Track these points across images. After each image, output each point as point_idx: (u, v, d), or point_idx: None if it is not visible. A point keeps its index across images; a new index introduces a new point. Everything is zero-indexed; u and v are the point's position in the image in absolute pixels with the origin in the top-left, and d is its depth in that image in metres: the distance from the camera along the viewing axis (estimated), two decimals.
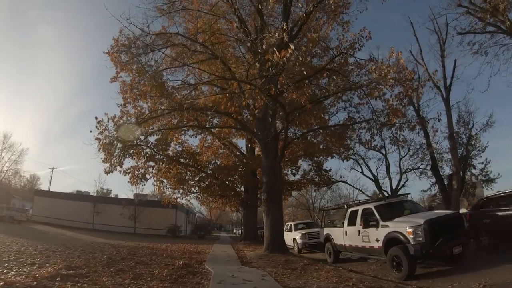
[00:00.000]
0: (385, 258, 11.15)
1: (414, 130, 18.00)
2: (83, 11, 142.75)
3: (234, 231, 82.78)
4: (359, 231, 13.05)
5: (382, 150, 36.36)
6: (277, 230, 17.38)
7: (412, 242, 10.02)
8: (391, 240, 10.93)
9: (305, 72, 14.14)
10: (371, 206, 13.01)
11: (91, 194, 53.98)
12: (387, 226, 11.29)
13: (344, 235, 14.54)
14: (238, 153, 31.49)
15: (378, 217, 11.97)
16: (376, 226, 11.82)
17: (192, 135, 30.27)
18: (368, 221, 12.21)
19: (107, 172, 18.68)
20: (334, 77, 15.52)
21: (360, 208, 13.70)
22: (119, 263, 11.49)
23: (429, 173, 35.21)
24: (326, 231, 16.70)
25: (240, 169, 30.36)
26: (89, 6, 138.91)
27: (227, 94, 15.28)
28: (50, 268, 8.93)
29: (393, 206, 13.21)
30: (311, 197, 66.25)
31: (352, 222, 14.04)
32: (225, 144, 30.22)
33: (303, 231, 22.28)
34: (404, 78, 13.71)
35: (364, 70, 15.93)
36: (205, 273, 10.51)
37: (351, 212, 14.43)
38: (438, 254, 10.41)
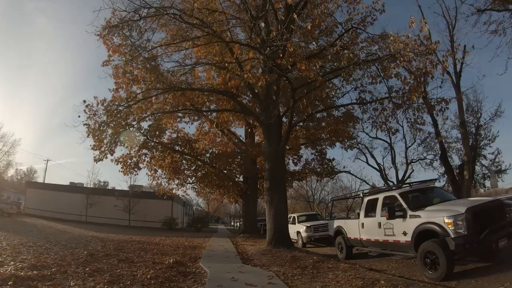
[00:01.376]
0: (415, 254, 9.31)
1: (434, 111, 16.11)
2: (82, 3, 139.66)
3: (232, 223, 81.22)
4: (380, 223, 11.25)
5: (387, 138, 35.33)
6: (281, 222, 15.66)
7: (452, 235, 8.14)
8: (424, 233, 9.05)
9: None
10: (395, 193, 11.20)
11: (85, 186, 52.02)
12: (417, 216, 9.43)
13: (360, 227, 12.76)
14: (236, 140, 29.53)
15: (405, 206, 10.15)
16: (403, 216, 9.98)
17: (188, 122, 28.51)
18: (394, 211, 10.37)
19: (96, 160, 17.77)
20: (346, 51, 13.70)
21: (381, 196, 11.92)
22: (99, 261, 9.91)
23: (436, 163, 34.65)
24: (336, 223, 14.96)
25: (239, 158, 28.49)
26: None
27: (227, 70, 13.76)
28: (9, 268, 7.30)
29: (421, 193, 11.47)
30: (311, 188, 64.57)
31: (370, 213, 12.35)
32: (223, 131, 28.36)
33: (308, 224, 20.47)
34: (425, 52, 12.27)
35: (376, 47, 14.06)
36: (199, 274, 8.73)
37: (369, 201, 12.68)
38: (483, 249, 8.55)
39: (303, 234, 19.85)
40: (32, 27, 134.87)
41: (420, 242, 9.00)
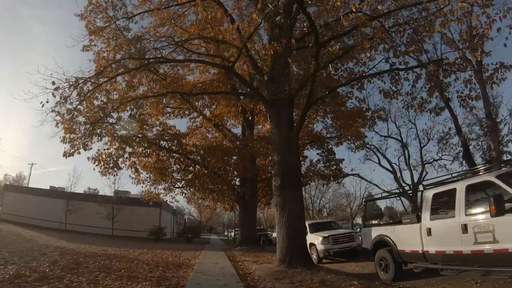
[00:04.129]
0: None
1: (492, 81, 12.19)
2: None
3: (226, 233, 76.57)
4: (465, 226, 7.54)
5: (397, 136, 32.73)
6: (297, 232, 11.51)
7: None
8: None
9: None
10: (490, 177, 7.41)
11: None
12: None
13: (423, 235, 9.02)
14: (233, 138, 25.27)
15: None
16: None
17: (177, 115, 24.60)
18: (503, 202, 6.41)
19: (67, 155, 15.47)
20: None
21: (461, 186, 8.14)
22: None
23: (448, 165, 32.11)
24: (376, 231, 11.11)
25: (235, 157, 24.26)
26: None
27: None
28: None
29: None
30: (310, 195, 60.61)
31: (440, 213, 8.72)
32: (217, 125, 24.30)
33: (325, 234, 16.40)
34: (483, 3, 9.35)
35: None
36: None
37: (437, 196, 8.99)
38: None
39: (319, 247, 15.84)
40: (27, 33, 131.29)
41: None
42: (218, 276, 9.86)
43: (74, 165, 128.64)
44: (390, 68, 12.81)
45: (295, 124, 12.83)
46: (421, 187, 9.87)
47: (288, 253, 11.06)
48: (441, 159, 32.81)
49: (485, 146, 28.05)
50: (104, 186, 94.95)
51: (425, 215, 9.05)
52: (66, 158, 15.96)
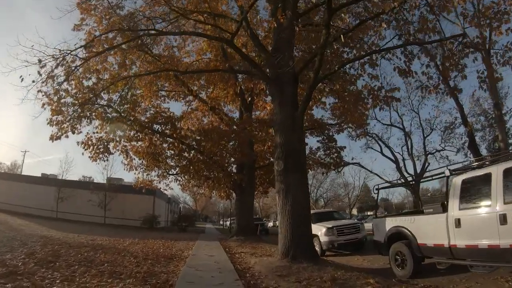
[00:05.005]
0: None
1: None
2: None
3: (221, 222, 75.49)
4: (503, 216, 6.47)
5: (404, 124, 32.14)
6: (302, 221, 10.28)
7: None
8: None
9: None
10: None
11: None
12: None
13: (450, 227, 7.88)
14: (230, 122, 23.92)
15: None
16: None
17: (172, 98, 23.37)
18: None
19: (53, 138, 14.86)
20: None
21: (497, 170, 7.01)
22: None
23: (451, 156, 31.03)
24: (392, 222, 9.98)
25: (232, 143, 22.99)
26: None
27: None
28: None
29: None
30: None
31: (472, 202, 7.57)
32: (213, 108, 23.00)
33: (329, 224, 15.24)
34: None
35: None
36: None
37: (467, 182, 7.81)
38: None
39: (323, 239, 14.68)
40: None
41: None
42: (213, 271, 8.63)
43: (66, 152, 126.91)
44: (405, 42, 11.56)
45: (299, 104, 11.61)
46: (447, 172, 8.63)
47: (292, 245, 9.85)
48: (444, 149, 32.00)
49: (490, 137, 27.29)
50: (98, 174, 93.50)
51: (453, 204, 7.88)
52: (52, 141, 15.23)
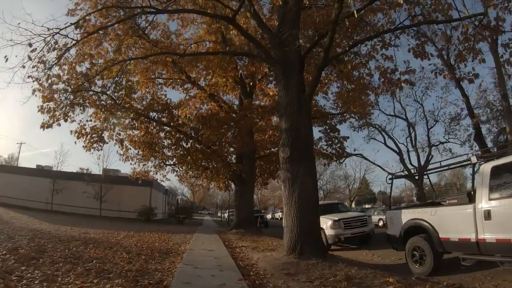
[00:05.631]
0: None
1: None
2: None
3: (219, 214, 74.59)
4: None
5: (404, 115, 31.45)
6: (310, 214, 9.43)
7: None
8: None
9: None
10: None
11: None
12: None
13: (478, 219, 7.07)
14: (229, 110, 22.91)
15: None
16: None
17: (169, 85, 22.43)
18: None
19: (44, 126, 14.51)
20: None
21: None
22: None
23: (455, 149, 32.19)
24: (409, 214, 9.16)
25: (232, 131, 22.05)
26: None
27: None
28: None
29: None
30: None
31: (507, 190, 6.70)
32: (212, 95, 22.05)
33: (335, 217, 14.38)
34: None
35: None
36: None
37: (498, 169, 7.00)
38: None
39: (329, 232, 13.83)
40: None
41: None
42: (213, 269, 7.75)
43: (61, 143, 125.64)
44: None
45: (306, 88, 10.73)
46: (473, 159, 7.77)
47: (299, 240, 8.97)
48: (448, 141, 31.32)
49: (496, 130, 26.62)
50: (95, 165, 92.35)
51: (482, 193, 7.02)
52: (43, 129, 14.84)
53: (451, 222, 7.76)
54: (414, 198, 76.70)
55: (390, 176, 11.47)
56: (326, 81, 16.79)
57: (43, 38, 11.53)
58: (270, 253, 10.02)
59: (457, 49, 10.82)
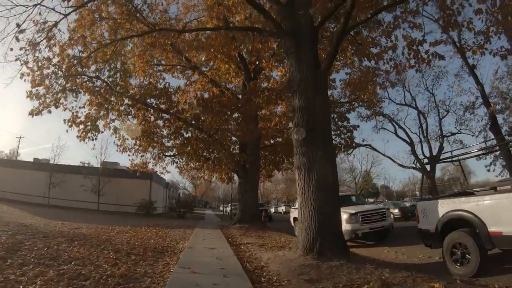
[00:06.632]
0: None
1: None
2: None
3: (221, 208, 73.20)
4: None
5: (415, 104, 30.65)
6: (329, 206, 7.97)
7: None
8: None
9: None
10: None
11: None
12: None
13: None
14: (232, 96, 21.30)
15: None
16: None
17: (168, 71, 21.01)
18: None
19: (33, 113, 13.81)
20: None
21: None
22: None
23: (466, 140, 29.97)
24: (446, 205, 7.82)
25: (235, 117, 20.61)
26: None
27: None
28: None
29: None
30: None
31: None
32: (214, 81, 20.55)
33: (351, 210, 12.92)
34: None
35: None
36: None
37: None
38: None
39: (345, 227, 12.31)
40: None
41: None
42: (216, 274, 6.27)
43: (58, 134, 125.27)
44: None
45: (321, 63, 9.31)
46: None
47: (318, 237, 7.51)
48: (460, 132, 29.98)
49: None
50: (93, 158, 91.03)
51: None
52: (32, 116, 14.04)
53: (505, 213, 6.33)
54: (417, 193, 75.70)
55: (426, 161, 10.07)
56: (342, 57, 15.33)
57: (28, 14, 10.99)
58: (282, 253, 8.55)
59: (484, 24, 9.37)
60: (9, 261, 6.43)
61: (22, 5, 11.17)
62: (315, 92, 8.58)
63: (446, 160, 10.32)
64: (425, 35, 9.58)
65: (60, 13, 11.74)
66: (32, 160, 47.31)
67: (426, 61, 10.08)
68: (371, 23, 10.43)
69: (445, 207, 7.71)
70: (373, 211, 13.15)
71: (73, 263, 6.71)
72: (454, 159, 9.52)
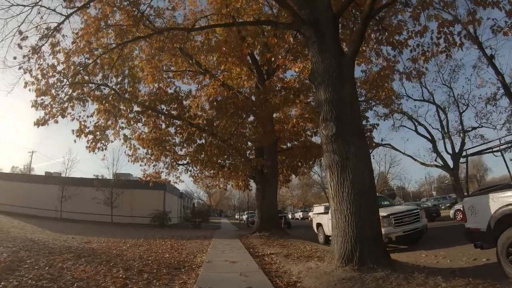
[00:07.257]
0: None
1: None
2: None
3: (237, 216, 72.07)
4: None
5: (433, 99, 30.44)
6: (368, 209, 6.98)
7: None
8: None
9: None
10: None
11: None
12: None
13: None
14: (245, 99, 20.28)
15: None
16: None
17: (178, 76, 20.19)
18: None
19: (39, 123, 13.18)
20: None
21: None
22: None
23: (488, 135, 29.49)
24: (499, 201, 6.74)
25: (250, 120, 19.74)
26: None
27: None
28: None
29: None
30: (320, 175, 56.78)
31: None
32: (226, 85, 19.60)
33: (383, 212, 11.69)
34: None
35: None
36: None
37: None
38: None
39: None
40: None
41: None
42: None
43: (69, 147, 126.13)
44: None
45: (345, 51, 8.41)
46: None
47: (357, 245, 6.53)
48: (481, 126, 28.92)
49: None
50: (106, 170, 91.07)
51: None
52: (38, 127, 13.38)
53: None
54: (434, 193, 74.00)
55: (465, 154, 9.02)
56: (365, 47, 14.39)
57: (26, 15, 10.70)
58: (314, 264, 7.52)
59: None
60: (2, 283, 5.57)
61: (20, 5, 10.61)
62: (341, 82, 7.65)
63: (485, 151, 9.23)
64: (457, 13, 8.65)
65: (61, 14, 11.47)
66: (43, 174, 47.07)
67: (458, 44, 9.11)
68: (398, 3, 9.49)
69: (498, 201, 6.63)
70: (406, 213, 12.10)
71: (75, 285, 5.82)
72: (495, 149, 8.45)
